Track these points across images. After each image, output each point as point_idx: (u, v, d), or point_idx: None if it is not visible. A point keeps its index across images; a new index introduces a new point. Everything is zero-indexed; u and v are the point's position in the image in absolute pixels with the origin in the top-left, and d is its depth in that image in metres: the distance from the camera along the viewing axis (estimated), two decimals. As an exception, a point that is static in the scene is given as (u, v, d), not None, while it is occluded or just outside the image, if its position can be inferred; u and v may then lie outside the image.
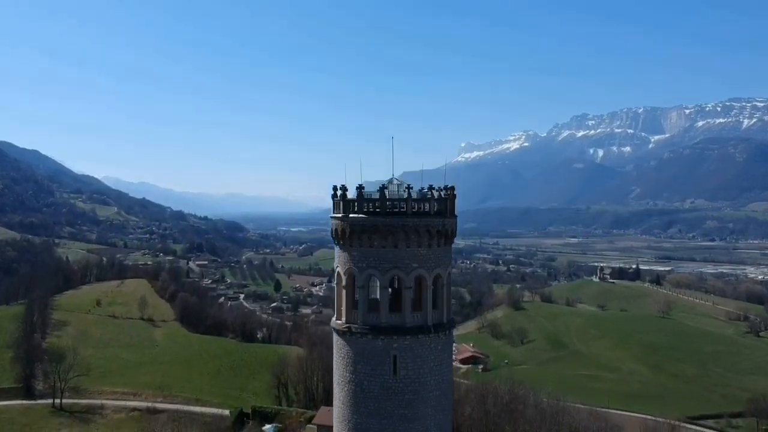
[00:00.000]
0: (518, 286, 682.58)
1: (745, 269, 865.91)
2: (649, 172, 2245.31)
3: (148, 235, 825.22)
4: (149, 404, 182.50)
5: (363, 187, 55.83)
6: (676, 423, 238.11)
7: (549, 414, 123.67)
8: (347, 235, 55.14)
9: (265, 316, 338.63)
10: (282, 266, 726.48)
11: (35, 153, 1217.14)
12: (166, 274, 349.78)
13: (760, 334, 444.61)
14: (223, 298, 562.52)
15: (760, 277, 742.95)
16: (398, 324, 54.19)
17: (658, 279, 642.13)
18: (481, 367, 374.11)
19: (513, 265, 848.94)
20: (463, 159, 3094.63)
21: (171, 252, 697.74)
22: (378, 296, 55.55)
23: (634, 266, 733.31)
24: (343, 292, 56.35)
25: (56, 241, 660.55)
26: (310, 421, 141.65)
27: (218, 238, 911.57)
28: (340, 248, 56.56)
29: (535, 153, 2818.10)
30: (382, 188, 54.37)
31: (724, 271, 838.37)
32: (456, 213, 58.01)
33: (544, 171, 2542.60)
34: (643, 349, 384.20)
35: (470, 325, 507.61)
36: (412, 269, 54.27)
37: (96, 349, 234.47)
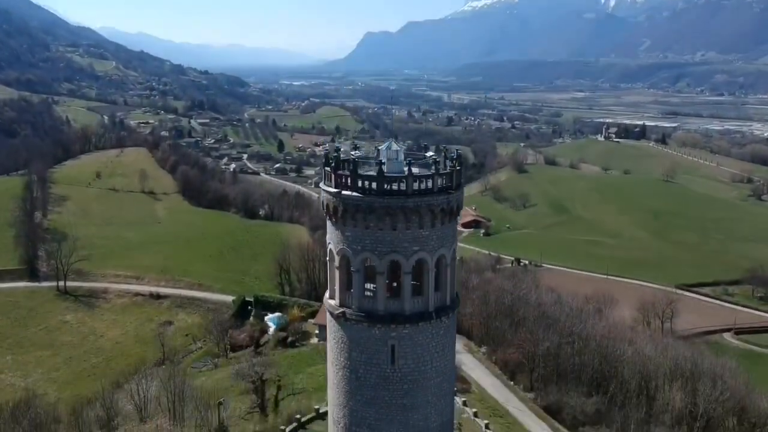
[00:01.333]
0: (522, 144, 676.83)
1: (751, 126, 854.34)
2: (661, 23, 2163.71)
3: (148, 92, 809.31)
4: (152, 289, 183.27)
5: (357, 162, 49.31)
6: (673, 291, 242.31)
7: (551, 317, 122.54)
8: (340, 213, 49.26)
9: (267, 188, 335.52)
10: (285, 125, 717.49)
11: (27, 1, 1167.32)
12: (167, 145, 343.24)
13: (763, 197, 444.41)
14: (226, 158, 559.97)
15: (766, 134, 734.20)
16: (397, 311, 49.59)
17: (663, 138, 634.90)
18: (482, 231, 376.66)
19: (518, 122, 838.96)
20: (470, 8, 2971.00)
21: (172, 110, 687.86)
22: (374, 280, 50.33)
23: (640, 123, 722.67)
24: (336, 272, 51.32)
25: (55, 98, 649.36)
26: (312, 315, 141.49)
27: (220, 94, 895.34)
28: (333, 225, 50.88)
29: (545, 1, 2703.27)
30: (380, 165, 47.70)
31: (731, 127, 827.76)
32: (462, 183, 51.68)
33: (553, 21, 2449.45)
34: (645, 215, 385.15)
35: (473, 188, 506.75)
36: (412, 253, 48.88)
37: (98, 228, 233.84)
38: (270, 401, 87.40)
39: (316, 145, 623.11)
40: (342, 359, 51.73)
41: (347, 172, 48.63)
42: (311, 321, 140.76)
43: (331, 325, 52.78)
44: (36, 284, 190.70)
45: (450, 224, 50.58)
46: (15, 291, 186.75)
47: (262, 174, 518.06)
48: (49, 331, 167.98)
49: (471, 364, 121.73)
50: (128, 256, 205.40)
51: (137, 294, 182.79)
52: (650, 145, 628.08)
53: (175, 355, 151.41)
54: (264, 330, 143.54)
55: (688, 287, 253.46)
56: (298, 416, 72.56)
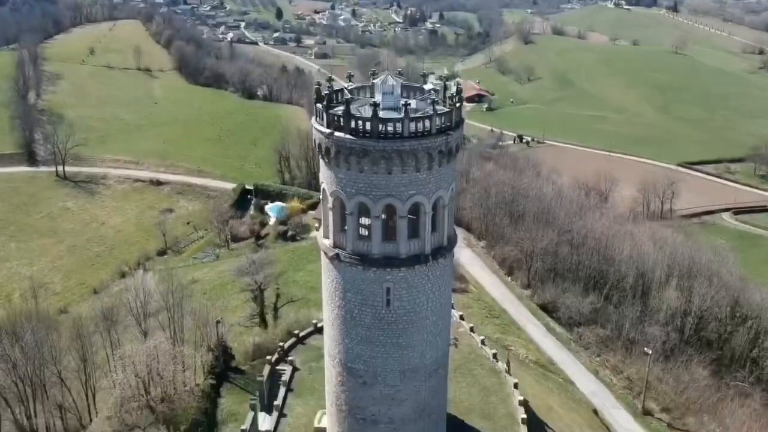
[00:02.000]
0: (529, 12, 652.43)
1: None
2: None
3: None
4: (152, 175, 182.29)
5: (351, 100, 46.39)
6: (675, 169, 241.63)
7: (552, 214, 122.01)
8: (332, 154, 47.02)
9: (265, 62, 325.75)
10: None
11: None
12: (161, 17, 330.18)
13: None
14: (222, 27, 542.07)
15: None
16: (392, 254, 48.43)
17: (675, 5, 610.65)
18: (485, 106, 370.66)
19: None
20: None
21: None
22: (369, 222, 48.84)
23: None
24: (330, 213, 49.78)
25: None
26: (312, 207, 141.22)
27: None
28: (326, 166, 48.77)
29: None
30: (375, 107, 44.88)
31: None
32: (463, 120, 49.03)
33: None
34: (651, 90, 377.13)
35: (477, 59, 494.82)
36: (408, 197, 47.07)
37: (94, 109, 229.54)
38: (269, 309, 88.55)
39: (316, 12, 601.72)
40: (336, 299, 51.23)
41: (339, 113, 45.78)
42: (311, 214, 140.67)
43: (326, 264, 51.88)
44: (35, 169, 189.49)
45: (449, 165, 48.39)
46: (14, 176, 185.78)
47: (260, 44, 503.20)
48: (51, 218, 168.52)
49: (470, 259, 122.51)
50: (126, 140, 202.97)
51: (137, 180, 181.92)
52: (661, 12, 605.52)
53: (176, 245, 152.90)
54: (264, 222, 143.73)
55: (690, 165, 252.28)
56: (296, 331, 73.53)
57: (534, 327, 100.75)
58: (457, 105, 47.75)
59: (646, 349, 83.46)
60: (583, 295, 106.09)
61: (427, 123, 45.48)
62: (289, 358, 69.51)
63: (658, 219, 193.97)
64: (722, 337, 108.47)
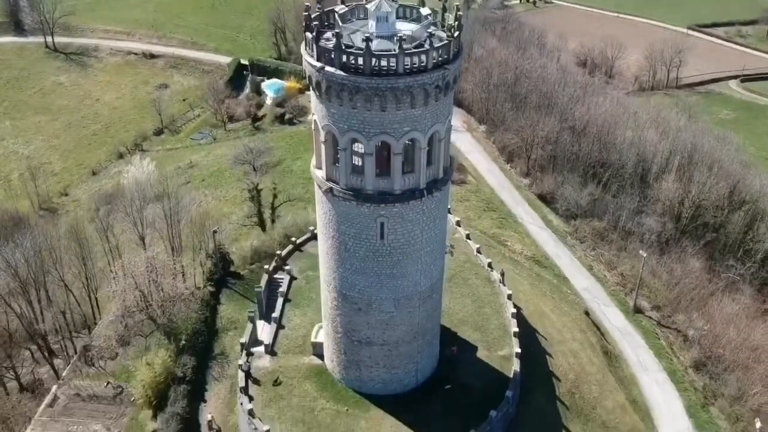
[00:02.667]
0: None
1: None
2: None
3: None
4: (145, 47, 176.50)
5: (340, 34, 43.63)
6: (684, 32, 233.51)
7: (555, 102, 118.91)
8: (323, 89, 44.97)
9: None
10: None
11: None
12: None
13: None
14: None
15: None
16: (386, 189, 47.58)
17: None
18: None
19: None
20: None
21: None
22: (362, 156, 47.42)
23: None
24: (322, 146, 48.37)
25: None
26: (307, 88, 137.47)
27: None
28: (317, 98, 46.77)
29: None
30: (368, 41, 42.25)
31: None
32: (462, 49, 46.39)
33: None
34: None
35: None
36: (403, 133, 45.54)
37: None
38: (266, 209, 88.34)
39: None
40: (331, 230, 50.96)
41: (330, 46, 43.23)
42: (309, 95, 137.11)
43: (319, 195, 51.16)
44: (23, 39, 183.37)
45: (446, 98, 46.37)
46: (3, 47, 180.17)
47: None
48: (45, 94, 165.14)
49: (470, 145, 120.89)
50: (116, 8, 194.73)
51: (130, 52, 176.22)
52: None
53: (172, 124, 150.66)
54: (261, 104, 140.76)
55: (701, 27, 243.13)
56: (294, 238, 73.83)
57: (531, 220, 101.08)
58: (456, 35, 44.89)
59: (641, 252, 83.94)
60: (581, 186, 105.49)
61: (423, 58, 43.03)
62: (287, 267, 70.31)
63: (663, 88, 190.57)
64: (718, 222, 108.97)
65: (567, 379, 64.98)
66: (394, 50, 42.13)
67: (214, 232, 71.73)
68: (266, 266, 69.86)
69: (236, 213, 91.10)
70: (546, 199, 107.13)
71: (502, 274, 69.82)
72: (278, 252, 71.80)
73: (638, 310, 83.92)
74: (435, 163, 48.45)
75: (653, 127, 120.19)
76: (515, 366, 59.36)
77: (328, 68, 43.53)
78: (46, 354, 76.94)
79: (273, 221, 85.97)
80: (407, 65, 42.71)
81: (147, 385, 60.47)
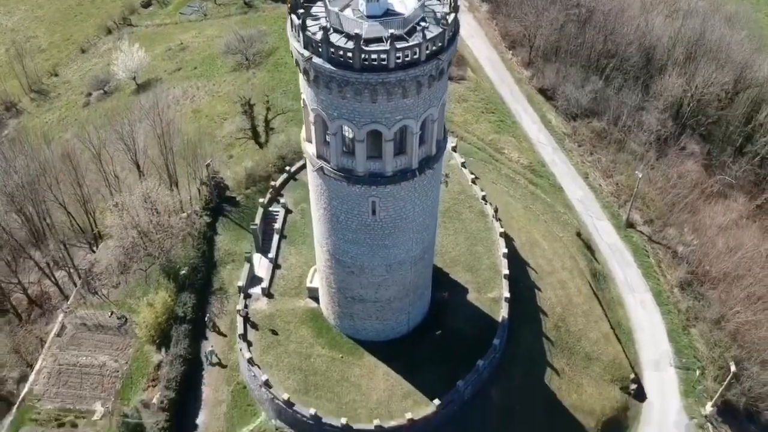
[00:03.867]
0: None
1: None
2: None
3: None
4: None
5: (329, 28, 40.95)
6: None
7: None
8: (311, 77, 43.00)
9: None
10: None
11: None
12: None
13: None
14: None
15: None
16: (377, 171, 46.81)
17: None
18: None
19: None
20: None
21: None
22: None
23: None
24: (312, 125, 47.01)
25: None
26: None
27: None
28: (305, 82, 44.78)
29: None
30: (358, 39, 39.76)
31: None
32: (457, 32, 43.73)
33: None
34: None
35: None
36: (395, 122, 44.08)
37: None
38: (261, 123, 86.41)
39: None
40: (322, 203, 50.79)
41: (318, 36, 40.75)
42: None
43: (310, 167, 50.39)
44: None
45: (440, 82, 44.37)
46: None
47: None
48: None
49: (470, 28, 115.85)
50: None
51: None
52: None
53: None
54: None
55: None
56: (288, 168, 73.07)
57: (530, 120, 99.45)
58: (451, 19, 42.15)
59: (637, 172, 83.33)
60: (583, 81, 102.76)
61: (416, 51, 40.76)
62: (281, 200, 70.39)
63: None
64: (718, 111, 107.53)
65: (554, 313, 67.35)
66: (386, 36, 39.63)
67: (207, 165, 70.97)
68: (261, 199, 69.96)
69: (230, 115, 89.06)
70: (546, 95, 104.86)
71: (496, 210, 70.05)
72: (272, 183, 71.56)
73: (630, 225, 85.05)
74: (428, 142, 47.30)
75: (662, 13, 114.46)
76: (504, 312, 61.35)
77: (316, 59, 41.30)
78: (50, 264, 78.62)
79: (267, 135, 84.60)
80: (399, 59, 40.49)
81: (149, 326, 62.87)
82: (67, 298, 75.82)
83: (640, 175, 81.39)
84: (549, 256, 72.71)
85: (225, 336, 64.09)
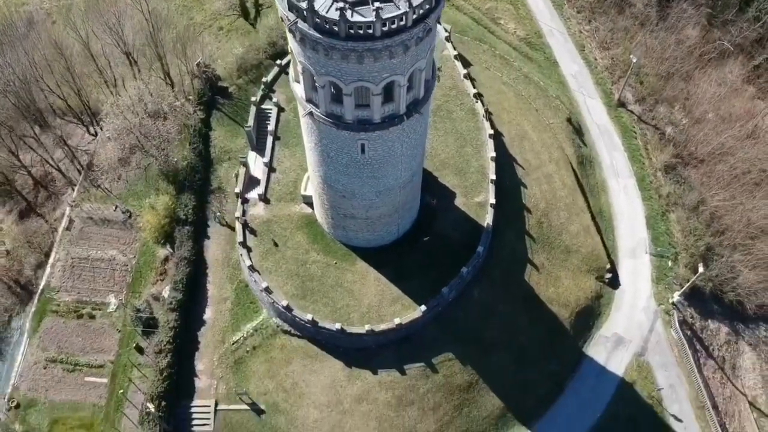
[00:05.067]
0: None
1: None
2: None
3: None
4: None
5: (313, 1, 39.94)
6: None
7: None
8: (297, 38, 42.74)
9: None
10: None
11: None
12: None
13: None
14: None
15: None
16: (366, 118, 47.76)
17: None
18: None
19: None
20: None
21: None
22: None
23: None
24: (300, 74, 47.20)
25: None
26: None
27: None
28: (292, 38, 44.39)
29: None
30: (342, 12, 39.15)
31: None
32: (444, -12, 42.57)
33: None
34: None
35: None
36: (382, 79, 44.33)
37: None
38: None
39: None
40: (313, 139, 52.14)
41: (302, 5, 40.08)
42: None
43: (300, 111, 51.01)
44: None
45: (428, 38, 43.99)
46: None
47: None
48: None
49: None
50: None
51: None
52: None
53: None
54: None
55: None
56: (279, 62, 71.81)
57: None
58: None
59: (632, 56, 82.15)
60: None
61: (403, 18, 40.38)
62: (274, 99, 70.81)
63: None
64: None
65: (538, 209, 70.64)
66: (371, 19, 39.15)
67: (198, 64, 70.28)
68: (253, 98, 70.34)
69: (216, 2, 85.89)
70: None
71: (487, 111, 70.67)
72: (264, 79, 71.50)
73: (621, 104, 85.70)
74: (416, 88, 47.72)
75: None
76: (488, 218, 64.59)
77: (301, 24, 40.96)
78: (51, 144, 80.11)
79: (258, 12, 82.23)
80: (385, 27, 40.23)
81: (153, 228, 66.39)
82: (69, 181, 78.60)
83: (635, 60, 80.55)
84: (537, 149, 74.45)
85: (233, 229, 66.85)
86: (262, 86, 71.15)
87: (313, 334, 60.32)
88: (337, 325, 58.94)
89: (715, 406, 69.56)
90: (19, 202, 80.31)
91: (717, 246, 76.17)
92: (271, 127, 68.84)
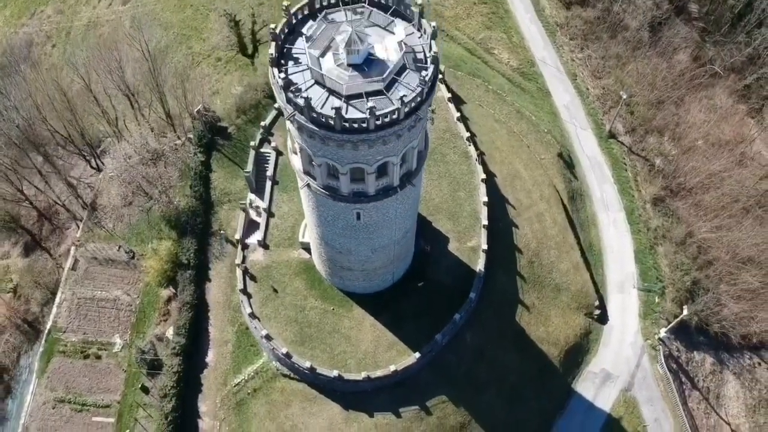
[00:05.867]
0: None
1: None
2: None
3: None
4: None
5: (309, 99, 41.78)
6: None
7: None
8: (295, 126, 44.72)
9: None
10: None
11: None
12: None
13: None
14: None
15: None
16: (361, 191, 49.80)
17: None
18: None
19: None
20: None
21: None
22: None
23: None
24: (298, 151, 49.15)
25: None
26: None
27: None
28: (290, 123, 46.28)
29: None
30: (338, 112, 41.07)
31: None
32: (436, 80, 44.45)
33: None
34: None
35: None
36: (376, 161, 46.35)
37: None
38: (248, 35, 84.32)
39: None
40: (311, 205, 54.19)
41: (300, 103, 41.95)
42: None
43: (297, 177, 52.94)
44: None
45: (420, 124, 45.93)
46: None
47: None
48: None
49: None
50: None
51: None
52: None
53: None
54: None
55: None
56: (276, 105, 73.70)
57: (523, 10, 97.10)
58: (430, 74, 42.92)
59: (622, 93, 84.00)
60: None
61: (395, 113, 42.35)
62: (272, 143, 72.67)
63: None
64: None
65: (529, 249, 72.89)
66: (366, 93, 41.09)
67: (198, 110, 72.07)
68: (252, 143, 72.22)
69: (215, 36, 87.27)
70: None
71: (480, 154, 72.63)
72: (262, 123, 73.32)
73: (612, 135, 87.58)
74: (408, 162, 49.68)
75: None
76: (481, 264, 66.85)
77: (298, 116, 42.90)
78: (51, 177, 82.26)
79: (255, 48, 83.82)
80: (378, 122, 42.20)
81: (156, 272, 68.66)
82: (73, 215, 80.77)
83: (625, 96, 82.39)
84: (529, 188, 76.47)
85: (236, 246, 68.90)
86: (261, 130, 72.95)
87: (312, 379, 62.76)
88: (335, 372, 61.34)
89: (699, 438, 72.52)
90: (23, 236, 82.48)
91: (703, 279, 78.56)
92: (269, 172, 70.65)
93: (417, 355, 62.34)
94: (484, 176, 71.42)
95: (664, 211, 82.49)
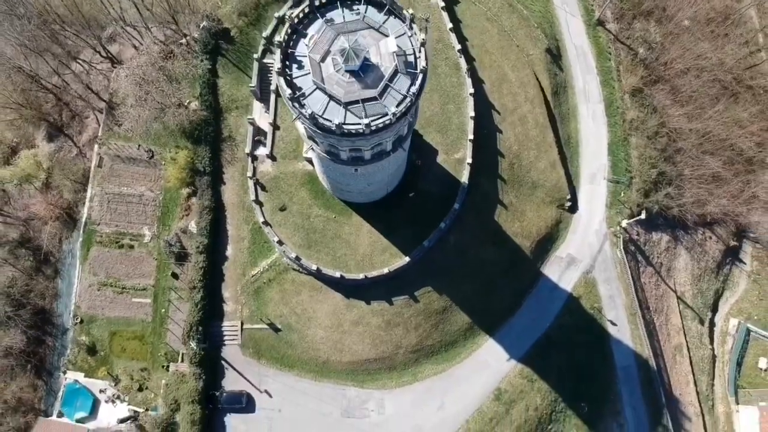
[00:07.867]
0: None
1: None
2: None
3: None
4: None
5: (315, 115, 47.70)
6: None
7: None
8: (299, 119, 51.10)
9: None
10: None
11: None
12: None
13: None
14: None
15: None
16: (358, 156, 57.02)
17: None
18: None
19: None
20: None
21: None
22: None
23: None
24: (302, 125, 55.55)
25: None
26: None
27: None
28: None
29: None
30: (340, 127, 47.38)
31: None
32: (425, 79, 49.85)
33: None
34: None
35: None
36: (371, 146, 53.10)
37: None
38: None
39: None
40: (316, 156, 61.41)
41: (306, 114, 48.16)
42: None
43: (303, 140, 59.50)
44: None
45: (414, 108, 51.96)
46: None
47: None
48: None
49: None
50: None
51: None
52: None
53: None
54: None
55: None
56: (276, 14, 75.76)
57: None
58: (416, 93, 48.53)
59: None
60: None
61: (388, 120, 48.81)
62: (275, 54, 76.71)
63: None
64: None
65: (510, 152, 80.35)
66: (361, 99, 47.62)
67: (202, 27, 74.95)
68: (255, 55, 76.42)
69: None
70: None
71: (470, 61, 76.93)
72: (264, 34, 76.69)
73: (600, 22, 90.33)
74: (400, 132, 56.42)
75: None
76: (465, 176, 74.99)
77: (300, 121, 49.34)
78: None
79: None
80: (373, 128, 48.78)
81: (176, 179, 76.99)
82: (89, 104, 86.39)
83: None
84: (515, 90, 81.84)
85: (264, 145, 76.40)
86: (263, 41, 76.68)
87: (318, 275, 73.99)
88: (338, 273, 72.38)
89: (647, 307, 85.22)
90: (45, 125, 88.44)
91: (669, 169, 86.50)
92: (273, 85, 75.75)
93: (407, 258, 72.83)
94: (472, 90, 76.58)
95: (642, 101, 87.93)
